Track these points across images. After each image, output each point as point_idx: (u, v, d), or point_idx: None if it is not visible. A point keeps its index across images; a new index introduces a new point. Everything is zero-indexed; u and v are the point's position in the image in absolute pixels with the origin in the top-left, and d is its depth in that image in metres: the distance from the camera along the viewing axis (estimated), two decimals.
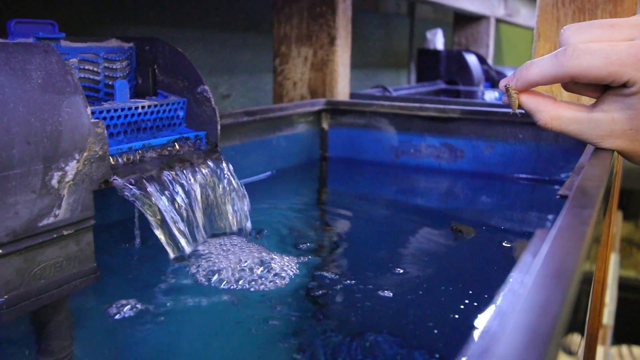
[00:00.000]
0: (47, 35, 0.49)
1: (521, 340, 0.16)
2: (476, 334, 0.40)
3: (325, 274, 0.50)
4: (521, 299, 0.18)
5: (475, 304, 0.45)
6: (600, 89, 0.46)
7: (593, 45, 0.42)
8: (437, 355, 0.39)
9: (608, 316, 1.70)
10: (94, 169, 0.44)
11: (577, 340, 0.29)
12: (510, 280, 0.22)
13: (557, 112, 0.46)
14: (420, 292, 0.47)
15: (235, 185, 0.58)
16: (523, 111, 0.49)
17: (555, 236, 0.25)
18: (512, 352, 0.16)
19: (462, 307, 0.45)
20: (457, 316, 0.43)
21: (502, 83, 0.48)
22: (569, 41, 0.44)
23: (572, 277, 0.21)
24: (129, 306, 0.45)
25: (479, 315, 0.43)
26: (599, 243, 0.39)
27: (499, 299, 0.20)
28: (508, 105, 0.48)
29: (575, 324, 0.24)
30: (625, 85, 0.42)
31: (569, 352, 0.24)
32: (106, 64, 0.57)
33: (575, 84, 0.47)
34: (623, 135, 0.45)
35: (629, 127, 0.44)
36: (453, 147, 0.85)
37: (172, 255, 0.50)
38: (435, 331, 0.42)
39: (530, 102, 0.47)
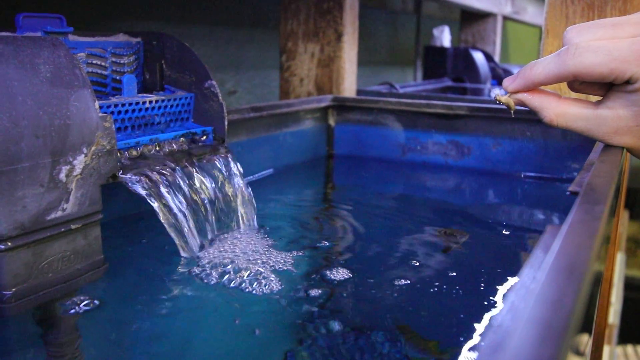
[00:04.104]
0: (55, 30, 0.49)
1: (535, 335, 0.16)
2: (488, 329, 0.40)
3: (330, 271, 0.50)
4: (534, 294, 0.18)
5: (483, 300, 0.45)
6: (606, 87, 0.46)
7: (595, 43, 0.43)
8: (446, 352, 0.39)
9: (614, 315, 1.69)
10: (102, 163, 0.44)
11: (585, 339, 0.29)
12: (522, 275, 0.22)
13: (562, 109, 0.46)
14: (427, 289, 0.47)
15: (241, 181, 0.58)
16: (525, 108, 0.49)
17: (567, 232, 0.25)
18: (526, 346, 0.15)
19: (469, 303, 0.45)
20: (464, 313, 0.43)
21: (505, 82, 0.49)
22: (572, 42, 0.44)
23: (585, 273, 0.20)
24: (130, 304, 0.45)
25: (488, 312, 0.43)
26: (609, 240, 0.39)
27: (511, 294, 0.20)
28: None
29: (585, 322, 0.24)
30: (628, 82, 0.42)
31: (578, 351, 0.23)
32: (114, 59, 0.57)
33: (581, 84, 0.47)
34: (629, 132, 0.45)
35: (635, 123, 0.44)
36: (460, 144, 0.85)
37: (180, 251, 0.50)
38: (442, 328, 0.42)
39: (535, 100, 0.48)
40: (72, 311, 0.42)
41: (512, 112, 0.50)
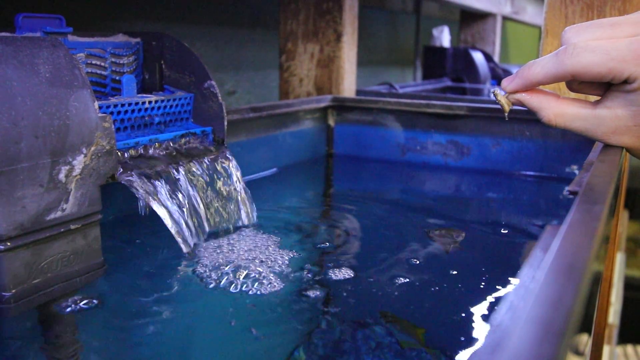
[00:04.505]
0: (55, 30, 0.49)
1: (534, 334, 0.16)
2: (487, 329, 0.40)
3: (330, 271, 0.50)
4: (533, 294, 0.18)
5: (483, 299, 0.45)
6: (604, 87, 0.46)
7: (593, 42, 0.43)
8: (445, 351, 0.39)
9: (614, 315, 1.70)
10: (101, 163, 0.44)
11: (585, 339, 0.29)
12: (521, 275, 0.22)
13: (561, 109, 0.46)
14: (427, 288, 0.47)
15: (241, 181, 0.58)
16: (520, 107, 0.49)
17: (566, 232, 0.25)
18: (526, 346, 0.15)
19: (469, 302, 0.45)
20: (463, 312, 0.43)
21: (504, 82, 0.49)
22: (570, 41, 0.44)
23: (584, 272, 0.20)
24: (129, 304, 0.45)
25: (487, 311, 0.43)
26: (609, 240, 0.39)
27: (510, 294, 0.20)
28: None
29: (585, 322, 0.24)
30: (626, 81, 0.42)
31: (578, 351, 0.23)
32: (113, 59, 0.57)
33: (579, 84, 0.47)
34: (628, 131, 0.45)
35: (633, 123, 0.44)
36: (459, 144, 0.85)
37: (183, 249, 0.50)
38: (442, 327, 0.42)
39: (533, 99, 0.48)
40: (72, 311, 0.42)
41: (505, 114, 0.50)
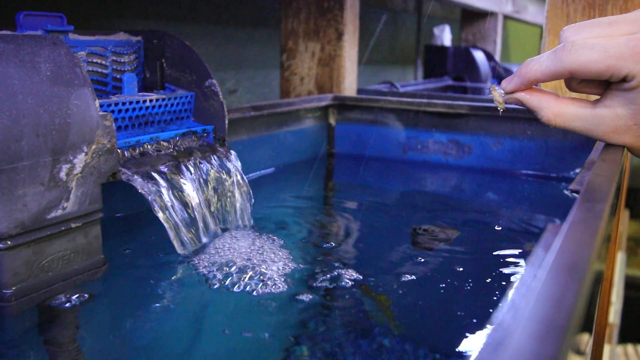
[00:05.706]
0: (56, 28, 0.49)
1: (536, 333, 0.16)
2: (489, 327, 0.40)
3: (331, 270, 0.50)
4: (535, 293, 0.18)
5: (485, 298, 0.45)
6: (604, 86, 0.46)
7: (591, 40, 0.42)
8: (447, 350, 0.38)
9: (614, 315, 1.69)
10: (102, 161, 0.44)
11: (585, 338, 0.28)
12: (523, 274, 0.22)
13: (560, 109, 0.46)
14: (428, 287, 0.47)
15: (241, 180, 0.58)
16: (513, 105, 0.49)
17: (568, 231, 0.25)
18: (527, 345, 0.15)
19: (471, 301, 0.45)
20: (465, 310, 0.43)
21: (504, 83, 0.49)
22: (568, 40, 0.44)
23: (586, 271, 0.20)
24: (130, 303, 0.45)
25: (489, 310, 0.43)
26: (610, 239, 0.39)
27: (512, 292, 0.20)
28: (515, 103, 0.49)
29: (586, 321, 0.24)
30: (625, 79, 0.42)
31: (579, 350, 0.23)
32: (114, 57, 0.57)
33: (579, 83, 0.47)
34: (628, 130, 0.44)
35: (633, 122, 0.44)
36: (460, 143, 0.85)
37: (177, 249, 0.50)
38: (444, 326, 0.42)
39: (533, 99, 0.47)
40: (72, 310, 0.42)
41: (500, 110, 0.50)
